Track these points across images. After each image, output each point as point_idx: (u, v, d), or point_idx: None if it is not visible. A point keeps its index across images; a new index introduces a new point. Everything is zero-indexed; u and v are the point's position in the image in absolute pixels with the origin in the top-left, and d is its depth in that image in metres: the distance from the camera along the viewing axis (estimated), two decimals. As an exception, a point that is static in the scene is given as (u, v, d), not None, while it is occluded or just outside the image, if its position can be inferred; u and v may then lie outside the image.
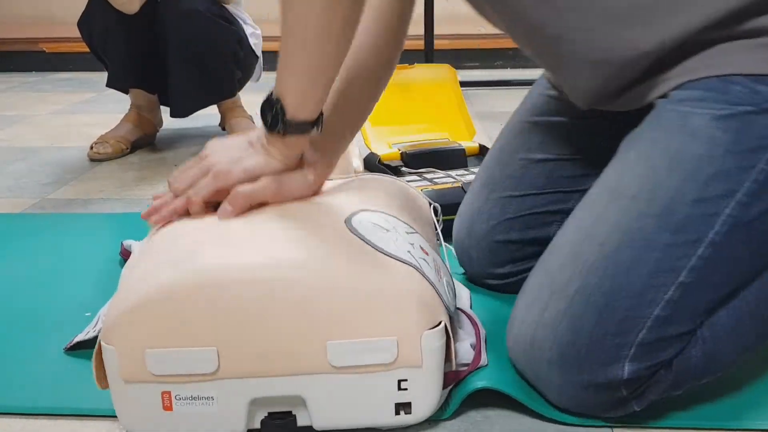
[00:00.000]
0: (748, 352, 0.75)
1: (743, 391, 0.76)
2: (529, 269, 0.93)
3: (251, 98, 2.44)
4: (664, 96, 0.73)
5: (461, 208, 0.98)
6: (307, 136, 0.75)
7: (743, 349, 0.74)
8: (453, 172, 1.30)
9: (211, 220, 0.76)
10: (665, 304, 0.67)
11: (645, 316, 0.67)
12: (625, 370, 0.68)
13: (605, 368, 0.68)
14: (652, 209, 0.68)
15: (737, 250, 0.68)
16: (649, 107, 0.74)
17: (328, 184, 0.86)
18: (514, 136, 0.93)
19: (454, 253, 1.02)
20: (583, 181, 0.90)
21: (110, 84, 1.79)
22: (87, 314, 0.95)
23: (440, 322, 0.68)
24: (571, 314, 0.68)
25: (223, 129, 1.93)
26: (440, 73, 1.52)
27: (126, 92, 1.86)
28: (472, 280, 1.00)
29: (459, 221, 0.98)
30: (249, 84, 1.94)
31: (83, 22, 1.74)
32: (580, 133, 0.89)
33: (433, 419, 0.72)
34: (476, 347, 0.79)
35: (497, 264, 0.95)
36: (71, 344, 0.86)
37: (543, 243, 0.92)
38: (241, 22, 1.83)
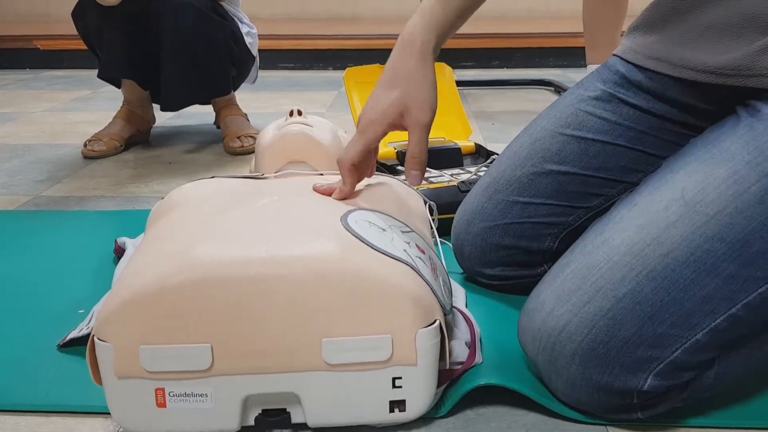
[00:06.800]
0: (757, 371, 0.75)
1: (741, 390, 0.76)
2: (518, 277, 0.94)
3: (246, 96, 2.44)
4: (747, 104, 0.73)
5: (465, 201, 0.98)
6: None
7: (753, 369, 0.74)
8: (449, 171, 1.30)
9: (206, 216, 0.76)
10: (709, 331, 0.67)
11: (686, 337, 0.67)
12: (646, 383, 0.67)
13: (628, 376, 0.67)
14: (729, 235, 0.67)
15: None
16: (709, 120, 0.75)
17: (324, 181, 0.86)
18: (532, 141, 0.91)
19: (451, 248, 1.03)
20: (590, 198, 0.89)
21: (102, 74, 1.78)
22: (81, 311, 0.94)
23: (435, 321, 0.68)
24: (614, 316, 0.67)
25: (218, 127, 1.93)
26: (436, 71, 1.51)
27: (118, 85, 1.86)
28: (465, 274, 1.00)
29: (460, 214, 0.97)
30: (244, 84, 1.94)
31: (77, 13, 1.74)
32: (604, 155, 0.87)
33: (428, 417, 0.72)
34: (471, 346, 0.79)
35: (487, 264, 0.95)
36: (65, 341, 0.86)
37: (533, 254, 0.92)
38: (237, 20, 1.82)
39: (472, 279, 1.00)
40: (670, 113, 0.85)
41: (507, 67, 3.16)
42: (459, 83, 1.76)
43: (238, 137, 1.80)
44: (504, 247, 0.93)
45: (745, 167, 0.69)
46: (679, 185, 0.71)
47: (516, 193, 0.91)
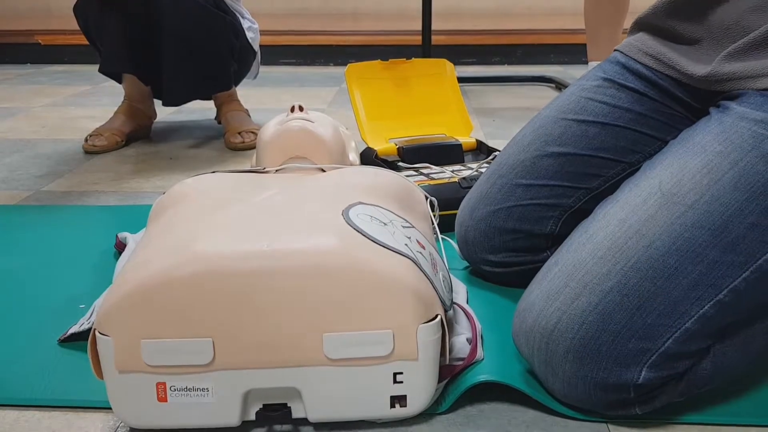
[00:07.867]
0: (754, 363, 0.75)
1: (739, 386, 0.76)
2: (522, 263, 0.95)
3: (248, 92, 2.44)
4: (732, 97, 0.75)
5: (471, 189, 0.99)
6: None
7: (751, 361, 0.74)
8: (450, 168, 1.30)
9: (208, 210, 0.76)
10: (697, 319, 0.67)
11: (675, 326, 0.67)
12: (641, 375, 0.67)
13: (622, 369, 0.67)
14: (708, 222, 0.68)
15: None
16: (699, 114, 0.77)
17: (326, 177, 0.86)
18: (534, 129, 0.94)
19: (453, 244, 1.03)
20: (590, 179, 0.90)
21: (103, 68, 1.78)
22: (81, 306, 0.94)
23: (436, 316, 0.68)
24: (602, 310, 0.68)
25: (219, 122, 1.93)
26: (438, 68, 1.52)
27: (119, 80, 1.86)
28: (469, 263, 1.01)
29: (465, 201, 0.99)
30: (246, 79, 1.94)
31: (79, 7, 1.74)
32: (603, 135, 0.90)
33: (429, 413, 0.72)
34: (472, 342, 0.79)
35: (491, 250, 0.95)
36: (65, 336, 0.86)
37: (536, 238, 0.93)
38: (238, 15, 1.82)
39: (475, 270, 1.00)
40: (665, 100, 0.89)
41: (508, 64, 3.16)
42: (460, 80, 1.76)
43: (239, 133, 1.80)
44: (507, 231, 0.94)
45: (717, 157, 0.71)
46: (656, 180, 0.73)
47: (519, 176, 0.93)
